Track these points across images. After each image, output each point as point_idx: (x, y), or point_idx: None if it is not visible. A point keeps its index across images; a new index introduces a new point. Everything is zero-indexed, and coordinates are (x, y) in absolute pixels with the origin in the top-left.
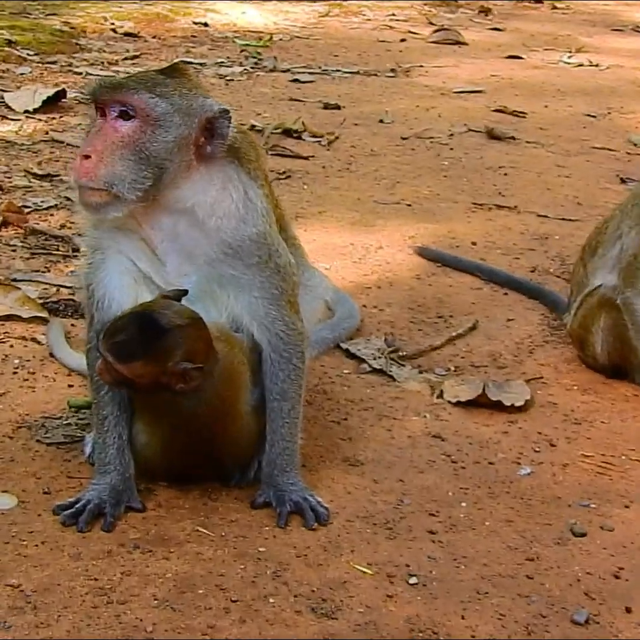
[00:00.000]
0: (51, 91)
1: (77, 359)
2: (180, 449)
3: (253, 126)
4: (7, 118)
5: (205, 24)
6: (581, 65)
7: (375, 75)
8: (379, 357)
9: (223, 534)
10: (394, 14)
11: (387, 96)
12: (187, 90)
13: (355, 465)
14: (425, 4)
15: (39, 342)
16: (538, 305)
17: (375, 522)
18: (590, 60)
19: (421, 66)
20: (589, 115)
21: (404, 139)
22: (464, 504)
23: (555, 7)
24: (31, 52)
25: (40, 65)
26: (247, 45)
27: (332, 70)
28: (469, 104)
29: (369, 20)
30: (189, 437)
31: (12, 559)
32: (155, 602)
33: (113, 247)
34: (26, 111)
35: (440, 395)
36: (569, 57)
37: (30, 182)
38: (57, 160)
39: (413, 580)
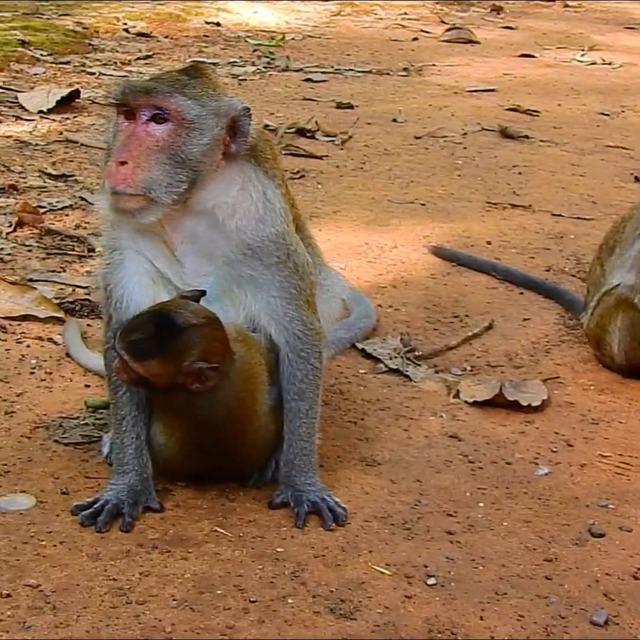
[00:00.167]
0: (65, 91)
1: (93, 359)
2: (198, 450)
3: (266, 126)
4: (21, 118)
5: (218, 24)
6: (594, 63)
7: (388, 74)
8: (395, 357)
9: (241, 534)
10: (406, 13)
11: (399, 95)
12: (212, 91)
13: (373, 466)
14: (437, 3)
15: (55, 342)
16: (554, 304)
17: (393, 523)
18: (603, 59)
19: (434, 65)
20: (602, 113)
21: (417, 138)
22: (481, 505)
23: (567, 5)
24: (44, 53)
25: (53, 65)
26: (260, 44)
27: (345, 70)
28: (482, 102)
29: (381, 19)
30: (207, 438)
31: (31, 559)
32: (174, 602)
33: (131, 248)
34: (40, 111)
35: (457, 395)
36: (582, 55)
37: (45, 182)
38: (72, 161)
39: (431, 580)
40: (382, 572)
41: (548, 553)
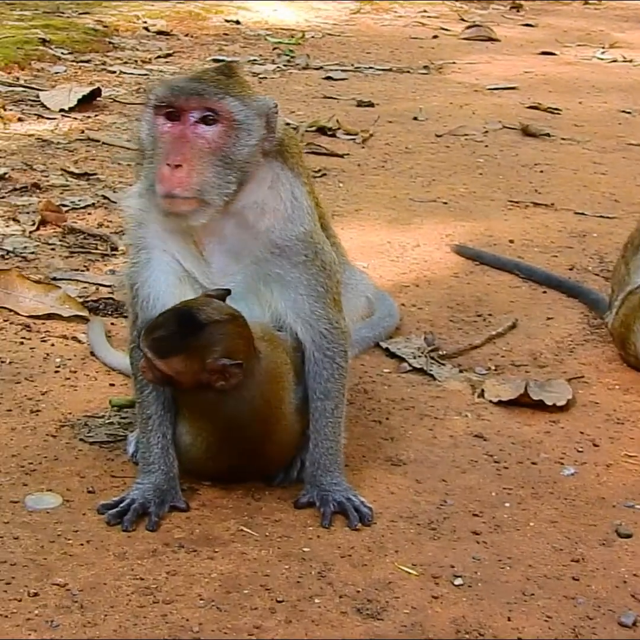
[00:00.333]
0: (86, 90)
1: (117, 358)
2: (224, 449)
3: (287, 124)
4: (43, 117)
5: (237, 22)
6: (615, 60)
7: (408, 72)
8: (419, 356)
9: (267, 533)
10: (425, 11)
11: (420, 93)
12: (249, 89)
13: (398, 465)
14: (456, 1)
15: (79, 341)
16: (577, 303)
17: (419, 523)
18: (624, 56)
19: (454, 63)
20: (624, 111)
21: (438, 136)
22: (507, 505)
23: (587, 2)
24: (65, 51)
25: (74, 64)
26: (280, 42)
27: (365, 68)
28: (502, 100)
29: (400, 17)
30: (233, 438)
31: (58, 557)
32: (201, 602)
33: (158, 247)
34: (62, 110)
35: (482, 395)
36: (603, 52)
37: (67, 180)
38: (94, 159)
39: (458, 581)
40: (409, 573)
41: (575, 554)
